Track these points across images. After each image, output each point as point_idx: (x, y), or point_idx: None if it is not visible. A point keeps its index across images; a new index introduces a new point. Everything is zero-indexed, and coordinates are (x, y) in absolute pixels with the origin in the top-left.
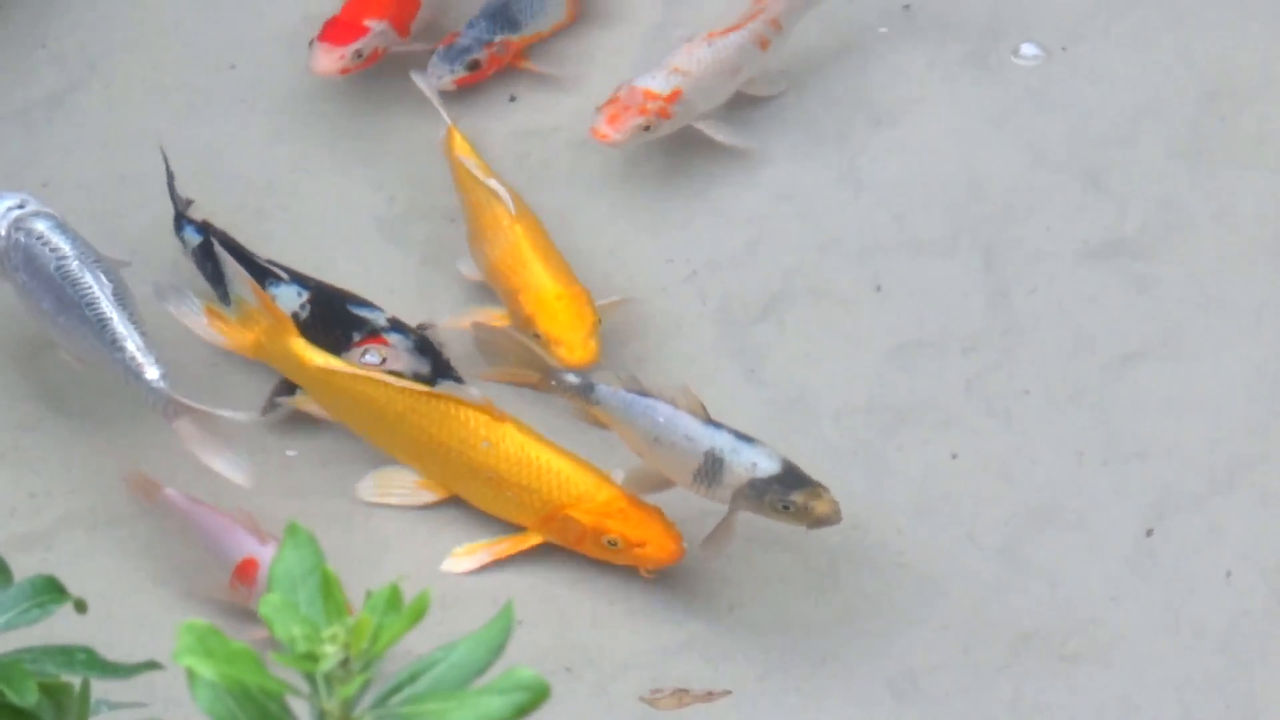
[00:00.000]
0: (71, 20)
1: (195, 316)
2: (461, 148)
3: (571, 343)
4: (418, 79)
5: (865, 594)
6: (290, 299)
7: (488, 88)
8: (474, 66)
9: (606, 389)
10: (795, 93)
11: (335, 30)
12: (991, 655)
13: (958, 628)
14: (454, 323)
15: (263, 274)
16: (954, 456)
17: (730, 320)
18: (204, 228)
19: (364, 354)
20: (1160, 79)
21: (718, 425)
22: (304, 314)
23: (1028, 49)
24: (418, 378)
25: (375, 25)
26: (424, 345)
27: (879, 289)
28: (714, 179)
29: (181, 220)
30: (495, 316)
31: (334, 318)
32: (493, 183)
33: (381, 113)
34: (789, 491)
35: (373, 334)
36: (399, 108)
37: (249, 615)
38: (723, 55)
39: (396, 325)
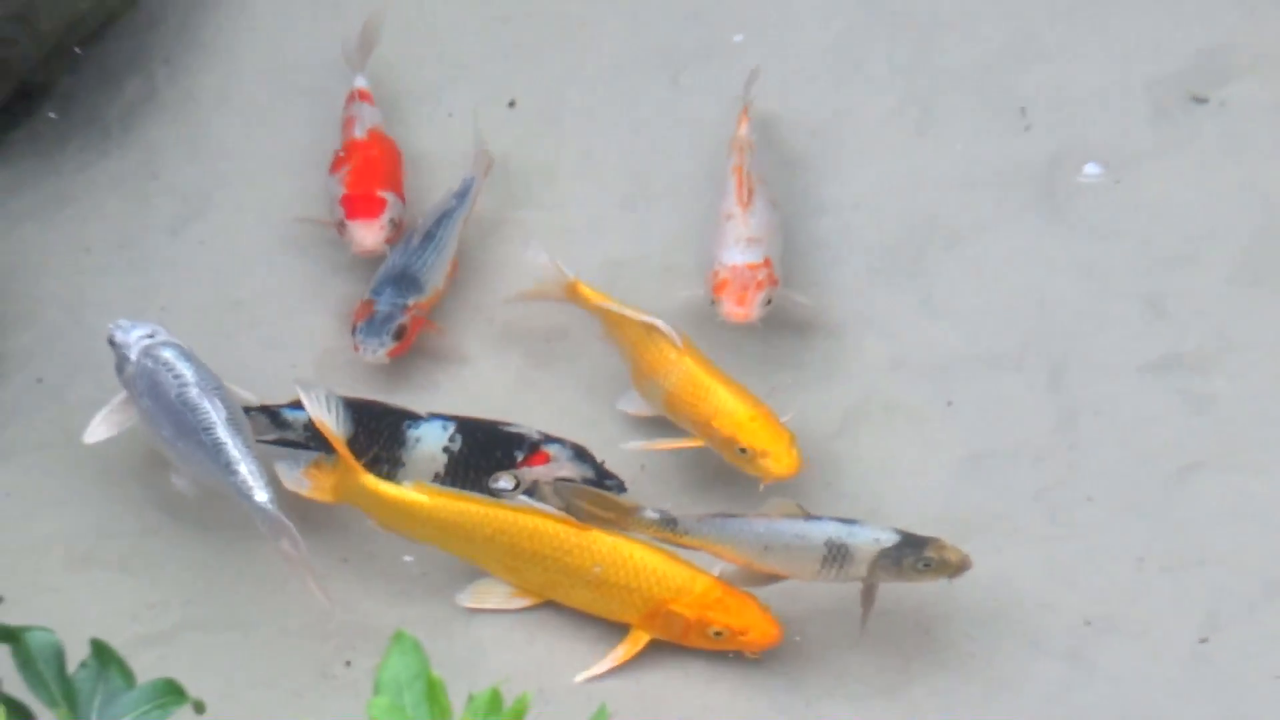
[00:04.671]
0: (185, 154)
1: (295, 472)
2: (595, 295)
3: (778, 454)
4: (534, 251)
5: (936, 692)
6: (437, 434)
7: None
8: (400, 334)
9: (690, 519)
10: (873, 219)
11: (361, 205)
12: None
13: None
14: (641, 447)
15: (399, 419)
16: (1022, 563)
17: (808, 434)
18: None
19: (495, 481)
20: (1218, 207)
21: (817, 517)
22: (455, 445)
23: (1091, 168)
24: (586, 483)
25: (387, 195)
26: (581, 453)
27: (950, 404)
28: (793, 300)
29: (278, 410)
30: (686, 443)
31: (490, 441)
32: (654, 320)
33: (477, 238)
34: (922, 551)
35: (534, 449)
36: (494, 234)
37: None
38: (766, 216)
39: (550, 438)
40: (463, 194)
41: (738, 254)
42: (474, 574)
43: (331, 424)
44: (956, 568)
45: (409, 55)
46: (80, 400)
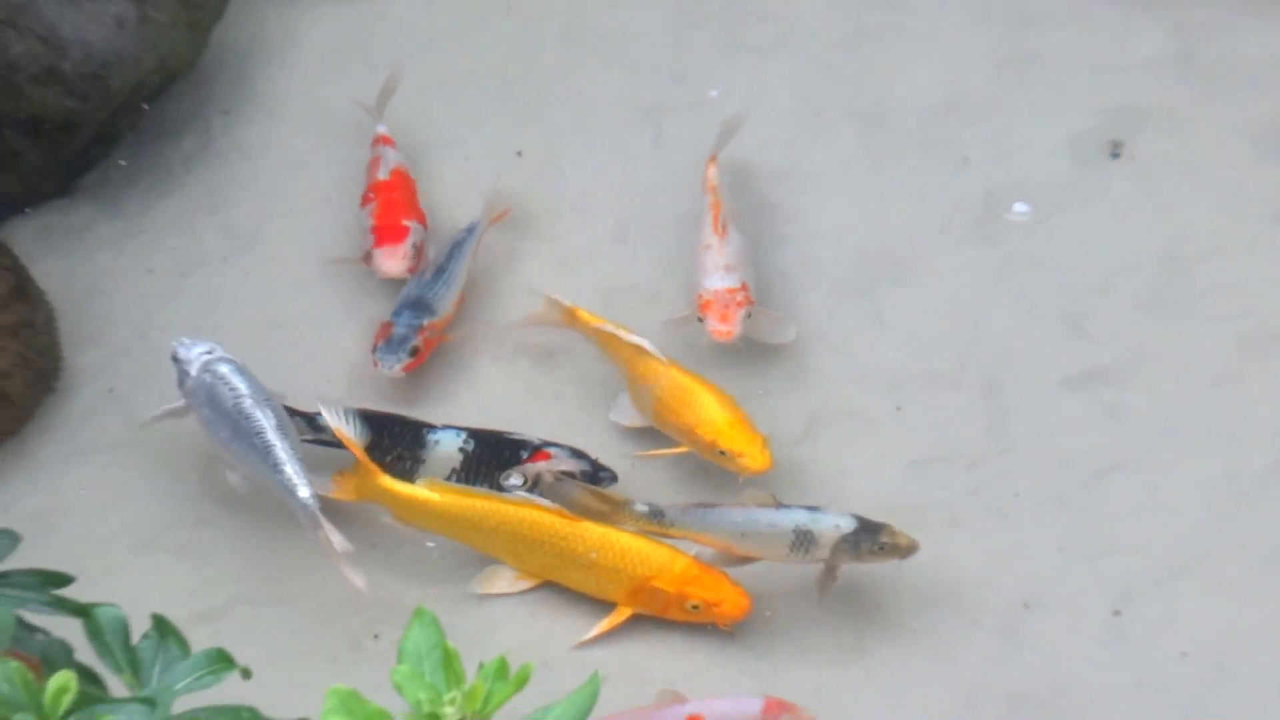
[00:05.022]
0: (236, 194)
1: (322, 480)
2: (591, 318)
3: (753, 454)
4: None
5: (886, 661)
6: (452, 440)
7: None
8: (415, 352)
9: (675, 510)
10: (832, 252)
11: (388, 233)
12: (990, 710)
13: (962, 689)
14: (651, 454)
15: (419, 427)
16: (961, 551)
17: (776, 438)
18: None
19: (506, 479)
20: (1129, 242)
21: (786, 506)
22: (469, 448)
23: (1019, 207)
24: (582, 475)
25: (411, 224)
26: (578, 452)
27: (898, 413)
28: (769, 315)
29: (313, 416)
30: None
31: (498, 446)
32: (636, 338)
33: (487, 268)
34: (877, 536)
35: (537, 450)
36: (504, 264)
37: None
38: (739, 246)
39: (548, 441)
40: (470, 233)
41: (718, 279)
42: (485, 562)
43: (350, 433)
44: (906, 550)
45: (430, 112)
46: (145, 408)
